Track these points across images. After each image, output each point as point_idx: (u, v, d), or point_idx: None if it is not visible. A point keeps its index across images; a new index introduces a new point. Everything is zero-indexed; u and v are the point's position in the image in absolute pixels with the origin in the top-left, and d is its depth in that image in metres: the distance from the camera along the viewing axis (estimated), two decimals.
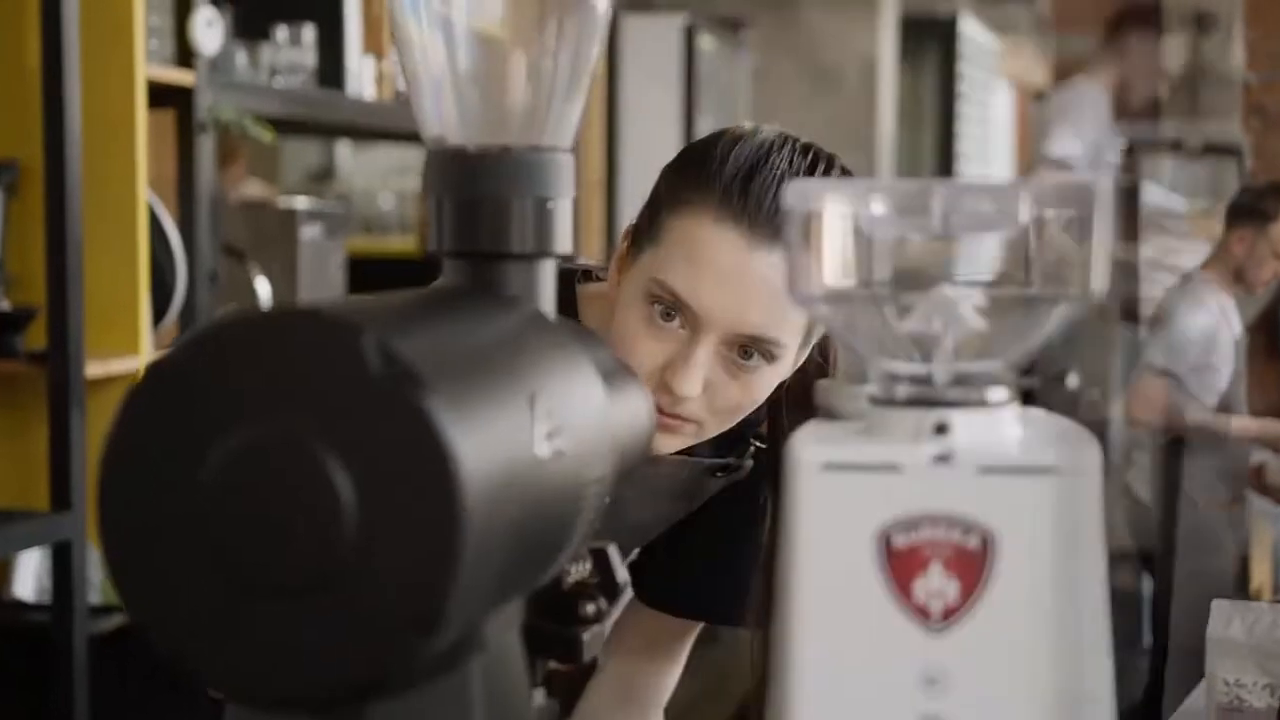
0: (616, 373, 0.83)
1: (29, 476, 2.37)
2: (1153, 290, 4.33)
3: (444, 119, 0.80)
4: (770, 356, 1.23)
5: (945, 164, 7.43)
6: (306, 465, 0.59)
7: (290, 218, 3.05)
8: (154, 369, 0.61)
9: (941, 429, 0.67)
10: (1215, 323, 4.21)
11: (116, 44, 2.43)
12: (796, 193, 0.69)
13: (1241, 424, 4.30)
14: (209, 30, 2.59)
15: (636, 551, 1.49)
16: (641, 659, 1.49)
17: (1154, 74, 4.42)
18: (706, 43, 4.63)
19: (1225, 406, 4.22)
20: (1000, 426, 0.68)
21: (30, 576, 2.48)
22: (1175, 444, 4.22)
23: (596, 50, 0.81)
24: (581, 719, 1.50)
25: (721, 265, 1.21)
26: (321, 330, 0.60)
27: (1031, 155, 7.85)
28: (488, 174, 0.78)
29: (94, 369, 2.36)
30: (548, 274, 0.80)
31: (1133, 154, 4.35)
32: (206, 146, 2.64)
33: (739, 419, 1.29)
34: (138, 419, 0.61)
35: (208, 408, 0.60)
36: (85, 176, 2.35)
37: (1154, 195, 4.34)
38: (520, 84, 0.79)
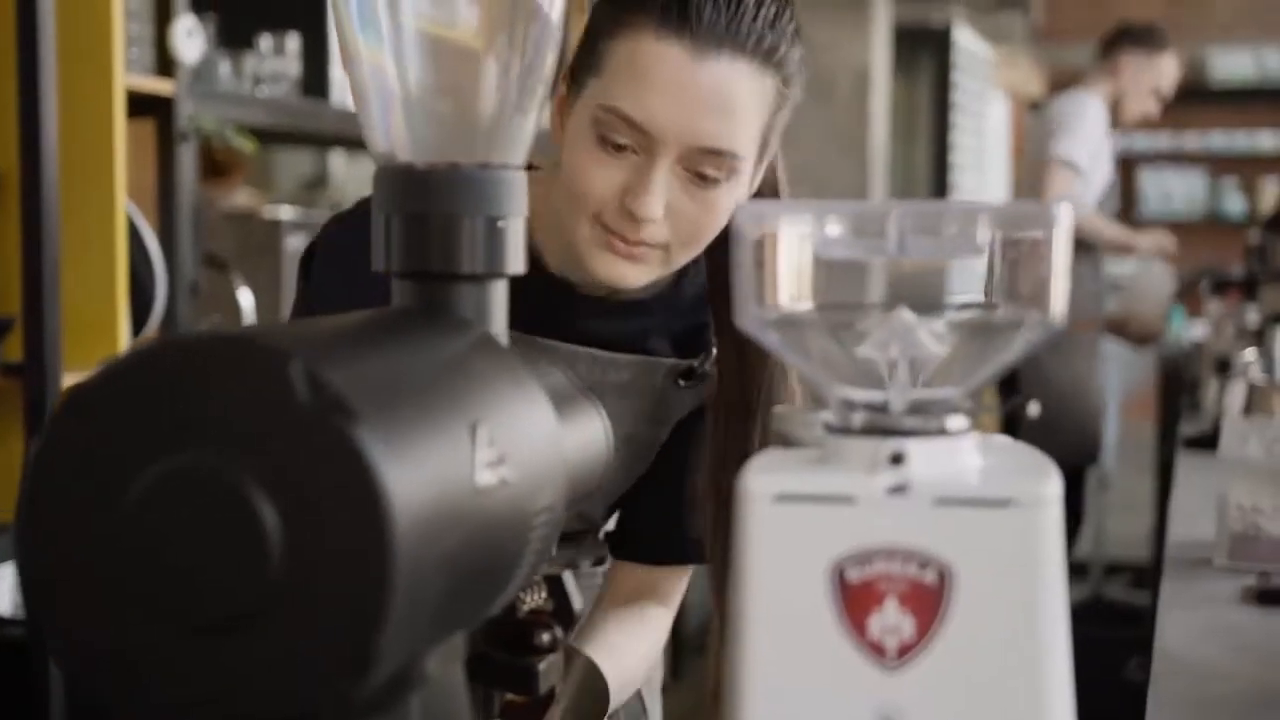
0: (570, 396, 0.81)
1: (8, 489, 2.35)
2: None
3: (392, 135, 0.77)
4: (729, 170, 1.21)
5: (940, 174, 7.41)
6: (231, 496, 0.56)
7: (275, 228, 3.03)
8: (77, 393, 0.59)
9: (897, 459, 0.65)
10: (1102, 131, 4.35)
11: (95, 52, 2.41)
12: (748, 215, 0.67)
13: (1121, 233, 4.43)
14: (189, 40, 2.57)
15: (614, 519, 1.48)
16: (631, 612, 1.45)
17: (1147, 93, 4.42)
18: None
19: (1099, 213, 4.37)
20: (959, 456, 0.66)
21: (7, 590, 2.45)
22: None
23: (551, 63, 0.79)
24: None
25: (668, 79, 1.18)
26: (248, 356, 0.58)
27: (1026, 161, 7.87)
28: (436, 191, 0.76)
29: (71, 380, 2.34)
30: (499, 294, 0.77)
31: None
32: (187, 156, 2.62)
33: (703, 245, 1.26)
34: (59, 445, 0.59)
35: (131, 435, 0.58)
36: (63, 186, 2.32)
37: None
38: (470, 99, 0.77)
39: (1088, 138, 4.28)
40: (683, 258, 1.26)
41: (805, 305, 0.68)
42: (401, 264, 0.76)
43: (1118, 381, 5.87)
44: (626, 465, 1.39)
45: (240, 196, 4.02)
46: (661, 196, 1.21)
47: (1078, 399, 4.28)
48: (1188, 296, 9.53)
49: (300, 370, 0.57)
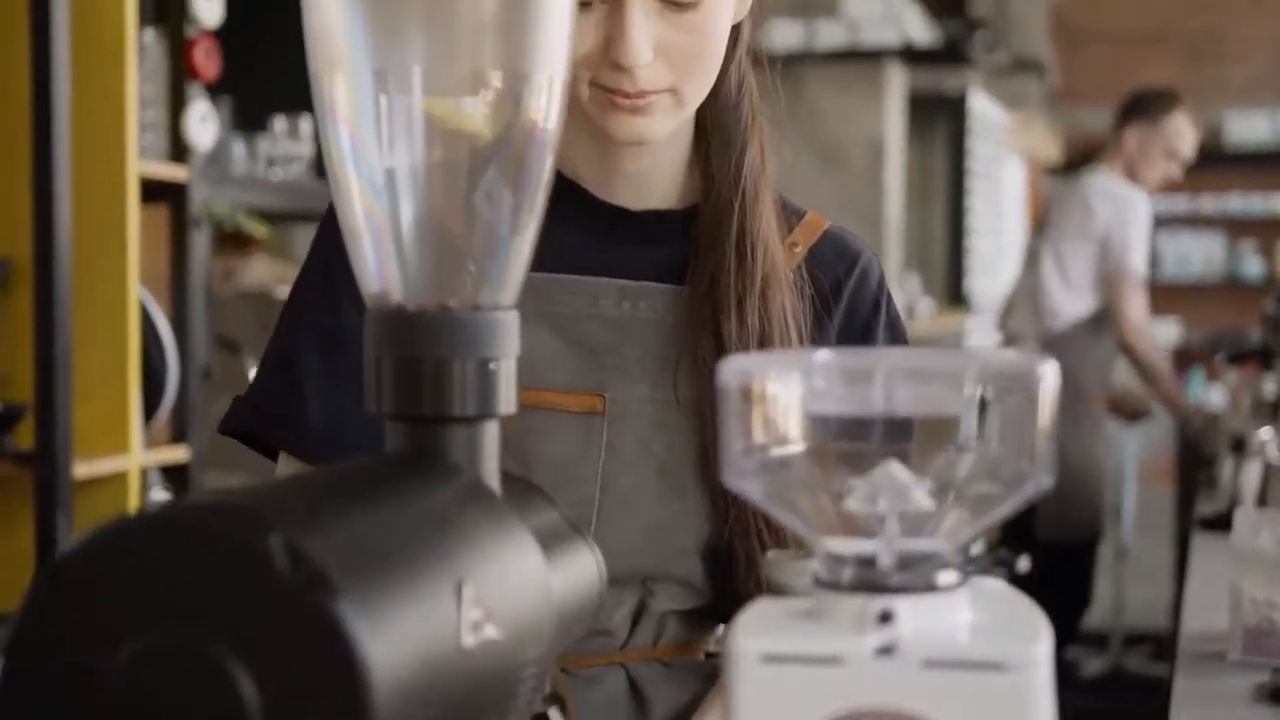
0: (560, 534, 0.81)
1: (16, 579, 2.35)
2: None
3: (384, 276, 0.77)
4: None
5: (956, 239, 7.41)
6: (210, 672, 0.56)
7: None
8: (56, 566, 0.58)
9: (886, 617, 0.65)
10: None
11: (110, 140, 2.43)
12: (733, 370, 0.67)
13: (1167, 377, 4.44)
14: (203, 126, 2.59)
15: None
16: None
17: (1160, 159, 4.42)
18: None
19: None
20: (949, 613, 0.66)
21: None
22: (1070, 335, 4.31)
23: (540, 205, 0.79)
24: None
25: None
26: (228, 529, 0.57)
27: (1053, 237, 7.91)
28: (428, 335, 0.75)
29: (83, 469, 2.34)
30: (491, 436, 0.77)
31: None
32: (200, 242, 2.63)
33: (712, 73, 1.18)
34: (39, 618, 0.59)
35: (110, 609, 0.57)
36: (77, 274, 2.34)
37: None
38: (462, 240, 0.77)
39: (1144, 240, 4.31)
40: (695, 94, 1.18)
41: (791, 457, 0.68)
42: (392, 406, 0.76)
43: (1135, 450, 5.84)
44: (668, 450, 1.21)
45: (259, 266, 4.04)
46: (644, 38, 1.13)
47: (1084, 473, 4.26)
48: (1205, 362, 9.50)
49: (280, 543, 0.56)
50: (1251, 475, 2.85)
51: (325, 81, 0.76)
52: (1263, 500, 2.79)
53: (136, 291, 2.45)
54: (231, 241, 3.37)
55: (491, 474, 0.76)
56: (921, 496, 0.67)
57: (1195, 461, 4.59)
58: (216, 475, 2.78)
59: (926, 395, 0.66)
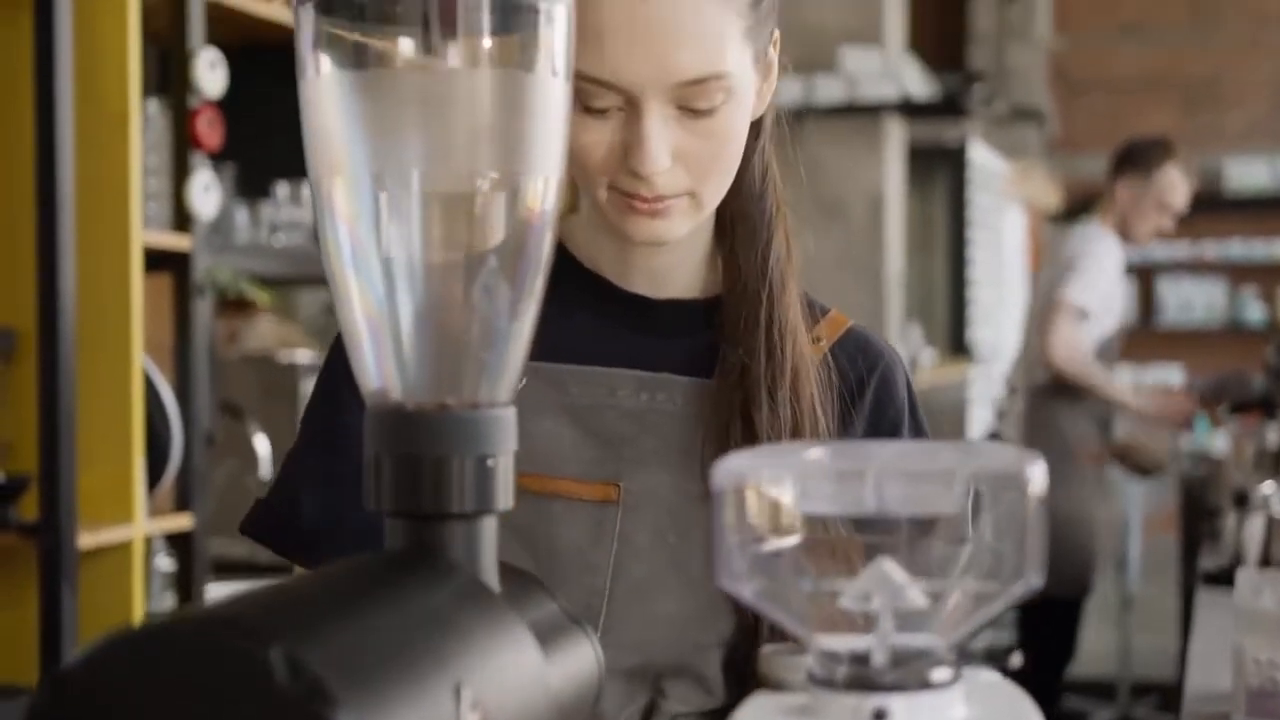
0: (559, 626, 0.81)
1: (20, 651, 2.35)
2: None
3: (383, 375, 0.78)
4: (723, 92, 1.12)
5: (957, 289, 7.44)
6: None
7: (292, 371, 3.05)
8: (58, 677, 0.59)
9: (880, 716, 0.65)
10: (1117, 271, 4.35)
11: (114, 210, 2.44)
12: (726, 471, 0.68)
13: (1119, 392, 4.40)
14: (206, 195, 2.61)
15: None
16: None
17: (1152, 211, 4.42)
18: None
19: (1101, 357, 4.34)
20: (944, 710, 0.66)
21: None
22: (1055, 387, 4.30)
23: (537, 297, 0.80)
24: None
25: (618, 26, 1.09)
26: (227, 641, 0.58)
27: (1039, 289, 7.88)
28: (427, 434, 0.76)
29: (87, 539, 2.34)
30: (489, 531, 0.78)
31: None
32: (203, 309, 2.65)
33: (729, 174, 1.17)
34: None
35: None
36: (80, 344, 2.35)
37: None
38: (459, 339, 0.78)
39: (1100, 279, 4.28)
40: (713, 196, 1.18)
41: (784, 555, 0.69)
42: (392, 503, 0.77)
43: (1140, 498, 5.84)
44: (683, 541, 1.19)
45: (263, 326, 4.06)
46: (661, 145, 1.12)
47: (1072, 528, 4.25)
48: (1209, 409, 9.49)
49: (279, 655, 0.57)
50: (1255, 530, 2.85)
51: (324, 184, 0.77)
52: (1266, 556, 2.79)
53: (140, 360, 2.46)
54: (235, 303, 3.39)
55: (490, 569, 0.77)
56: (915, 594, 0.68)
57: (1199, 511, 4.59)
58: (221, 541, 2.79)
59: (918, 495, 0.67)
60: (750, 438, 1.19)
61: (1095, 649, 6.50)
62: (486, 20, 0.76)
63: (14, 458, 2.39)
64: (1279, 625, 1.82)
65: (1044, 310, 4.32)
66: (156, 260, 2.58)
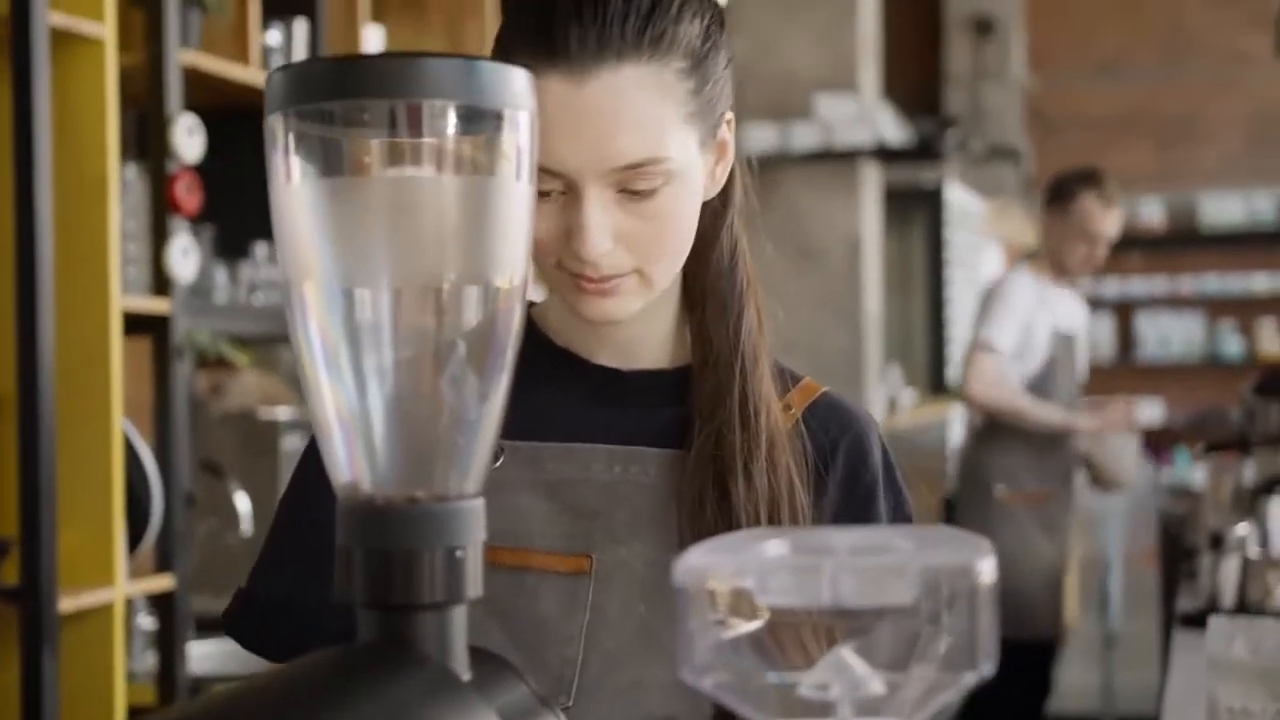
0: (528, 712, 0.83)
1: (2, 716, 2.35)
2: None
3: (354, 468, 0.80)
4: (662, 175, 1.14)
5: (936, 328, 7.48)
6: None
7: (273, 429, 3.06)
8: None
9: None
10: (1030, 307, 4.31)
11: (93, 275, 2.46)
12: (687, 565, 0.70)
13: (1050, 413, 4.36)
14: (185, 259, 2.63)
15: None
16: None
17: (1075, 242, 4.40)
18: None
19: (1041, 393, 4.32)
20: None
21: None
22: (987, 429, 4.30)
23: (501, 397, 0.82)
24: None
25: (555, 113, 1.11)
26: None
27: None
28: (397, 527, 0.78)
29: (68, 603, 2.35)
30: (459, 620, 0.80)
31: None
32: (182, 372, 2.67)
33: (678, 254, 1.19)
34: None
35: None
36: (61, 407, 2.36)
37: None
38: (428, 434, 0.80)
39: (1012, 318, 4.28)
40: (663, 275, 1.19)
41: (744, 646, 0.71)
42: (363, 595, 0.79)
43: (1119, 533, 5.87)
44: (653, 612, 1.20)
45: (247, 378, 4.07)
46: (602, 229, 1.13)
47: (1027, 572, 4.25)
48: (1189, 442, 9.55)
49: None
50: (1230, 572, 2.87)
51: (296, 286, 0.79)
52: (1241, 598, 2.81)
53: (120, 424, 2.47)
54: (218, 358, 3.40)
55: (460, 657, 0.79)
56: (873, 681, 0.70)
57: (1178, 549, 4.60)
58: (202, 599, 2.79)
59: (872, 587, 0.69)
60: (726, 510, 1.21)
61: (1078, 685, 6.51)
62: (452, 126, 0.78)
63: None
64: (1252, 674, 1.84)
65: (965, 355, 4.40)
66: (136, 323, 2.60)
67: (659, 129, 1.14)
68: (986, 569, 0.67)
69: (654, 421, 1.26)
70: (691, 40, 1.16)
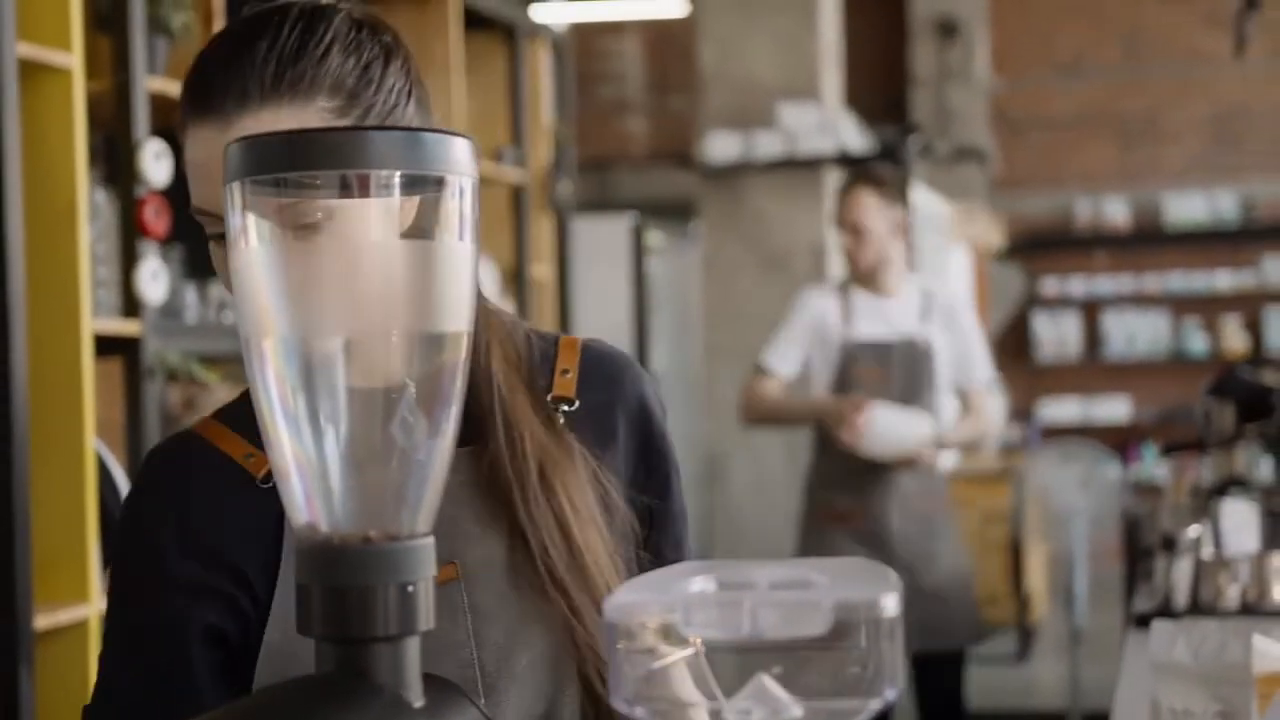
0: None
1: None
2: None
3: (311, 510, 0.86)
4: (324, 212, 1.12)
5: None
6: None
7: None
8: None
9: None
10: (811, 324, 4.17)
11: (64, 299, 2.51)
12: (615, 604, 0.76)
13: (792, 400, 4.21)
14: (154, 281, 2.68)
15: None
16: None
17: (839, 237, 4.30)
18: (655, 238, 4.77)
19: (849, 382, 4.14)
20: None
21: None
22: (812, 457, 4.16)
23: (449, 442, 0.88)
24: None
25: (208, 159, 1.18)
26: None
27: (988, 316, 7.92)
28: (351, 565, 0.84)
29: (43, 620, 2.40)
30: (413, 650, 0.86)
31: None
32: (153, 392, 2.71)
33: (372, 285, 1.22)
34: None
35: None
36: (34, 429, 2.41)
37: None
38: (380, 479, 0.86)
39: (790, 338, 4.18)
40: None
41: (671, 677, 0.77)
42: (322, 629, 0.85)
43: (1085, 531, 5.94)
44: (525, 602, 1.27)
45: (219, 393, 4.11)
46: None
47: (929, 581, 4.18)
48: (1156, 438, 9.65)
49: None
50: (1182, 573, 2.92)
51: (255, 342, 0.85)
52: (1194, 599, 2.86)
53: (92, 444, 2.52)
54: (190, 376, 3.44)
55: (414, 686, 0.85)
56: (791, 707, 0.76)
57: (1140, 546, 4.66)
58: None
59: (789, 620, 0.75)
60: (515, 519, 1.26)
61: (1045, 680, 6.60)
62: (397, 192, 0.84)
63: None
64: (1194, 676, 1.90)
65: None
66: (107, 345, 2.65)
67: None
68: (890, 603, 0.73)
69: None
70: (342, 78, 1.21)
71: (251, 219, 0.85)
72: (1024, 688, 6.62)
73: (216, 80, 1.19)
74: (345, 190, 0.85)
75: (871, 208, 4.15)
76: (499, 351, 1.31)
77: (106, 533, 2.59)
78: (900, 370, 4.20)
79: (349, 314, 0.85)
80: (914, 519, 4.19)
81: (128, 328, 2.68)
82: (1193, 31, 9.77)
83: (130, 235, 2.68)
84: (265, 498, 1.23)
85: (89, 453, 2.50)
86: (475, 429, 1.28)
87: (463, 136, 0.87)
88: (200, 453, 1.29)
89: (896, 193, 4.33)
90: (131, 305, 2.69)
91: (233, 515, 1.27)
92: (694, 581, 0.78)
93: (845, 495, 4.17)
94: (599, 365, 1.36)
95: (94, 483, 2.52)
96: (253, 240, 0.85)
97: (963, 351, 4.28)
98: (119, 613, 1.28)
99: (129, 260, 2.68)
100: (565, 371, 1.34)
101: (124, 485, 2.61)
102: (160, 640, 1.25)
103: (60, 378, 2.49)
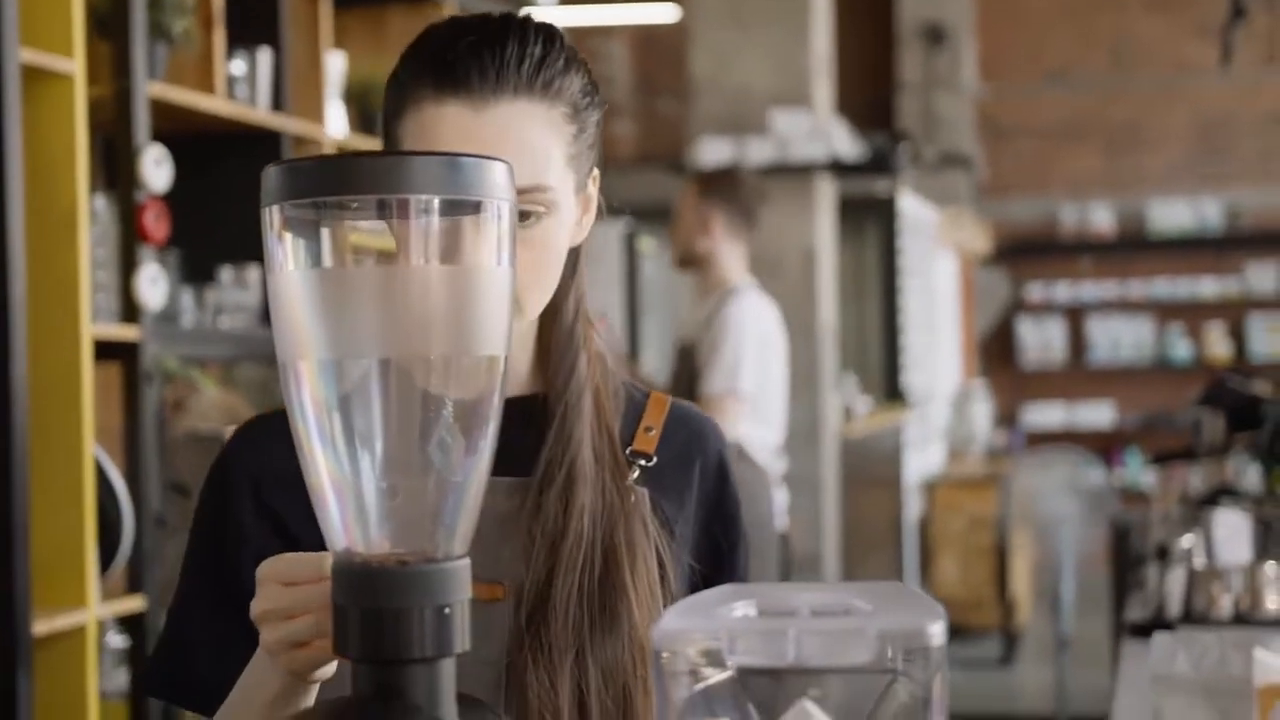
0: None
1: None
2: None
3: (348, 534, 0.86)
4: (545, 204, 1.22)
5: (890, 336, 7.56)
6: None
7: None
8: None
9: None
10: (749, 338, 4.04)
11: (64, 304, 2.50)
12: (663, 632, 0.76)
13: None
14: (153, 287, 2.68)
15: None
16: None
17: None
18: (647, 245, 4.77)
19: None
20: None
21: None
22: None
23: (486, 466, 0.88)
24: None
25: (454, 135, 1.20)
26: None
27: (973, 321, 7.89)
28: (388, 589, 0.84)
29: (41, 626, 2.39)
30: (448, 672, 0.86)
31: None
32: (151, 396, 2.71)
33: (549, 284, 1.25)
34: None
35: None
36: (33, 433, 2.40)
37: None
38: (417, 503, 0.86)
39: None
40: (534, 305, 1.25)
41: (716, 703, 0.77)
42: (359, 651, 0.85)
43: (1073, 537, 5.95)
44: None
45: (209, 394, 4.10)
46: None
47: None
48: (1140, 444, 9.67)
49: None
50: (1176, 583, 2.93)
51: (291, 364, 0.85)
52: (1188, 609, 2.87)
53: (91, 448, 2.52)
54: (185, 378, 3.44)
55: (449, 707, 0.85)
56: None
57: (1126, 552, 4.67)
58: None
59: (833, 648, 0.75)
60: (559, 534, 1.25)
61: (1032, 686, 6.61)
62: (436, 216, 0.84)
63: None
64: (1195, 689, 1.90)
65: None
66: (106, 350, 2.64)
67: (546, 159, 1.23)
68: (938, 631, 0.74)
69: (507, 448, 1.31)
70: (574, 92, 1.25)
71: (288, 241, 0.85)
72: (1008, 692, 6.64)
73: (471, 65, 1.21)
74: (383, 214, 0.85)
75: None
76: (590, 400, 1.30)
77: (105, 539, 2.59)
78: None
79: (385, 336, 0.85)
80: None
81: (127, 333, 2.67)
82: (1180, 41, 9.80)
83: (130, 240, 2.68)
84: None
85: (88, 457, 2.49)
86: (534, 460, 1.28)
87: (500, 161, 0.87)
88: (280, 431, 1.27)
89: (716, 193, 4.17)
90: (131, 310, 2.68)
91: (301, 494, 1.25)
92: (735, 606, 0.78)
93: None
94: (683, 424, 1.36)
95: (93, 488, 2.51)
96: (289, 263, 0.85)
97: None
98: (194, 562, 1.30)
99: (128, 265, 2.68)
100: (649, 429, 1.34)
101: (122, 491, 2.60)
102: (229, 584, 1.25)
103: (60, 382, 2.49)
